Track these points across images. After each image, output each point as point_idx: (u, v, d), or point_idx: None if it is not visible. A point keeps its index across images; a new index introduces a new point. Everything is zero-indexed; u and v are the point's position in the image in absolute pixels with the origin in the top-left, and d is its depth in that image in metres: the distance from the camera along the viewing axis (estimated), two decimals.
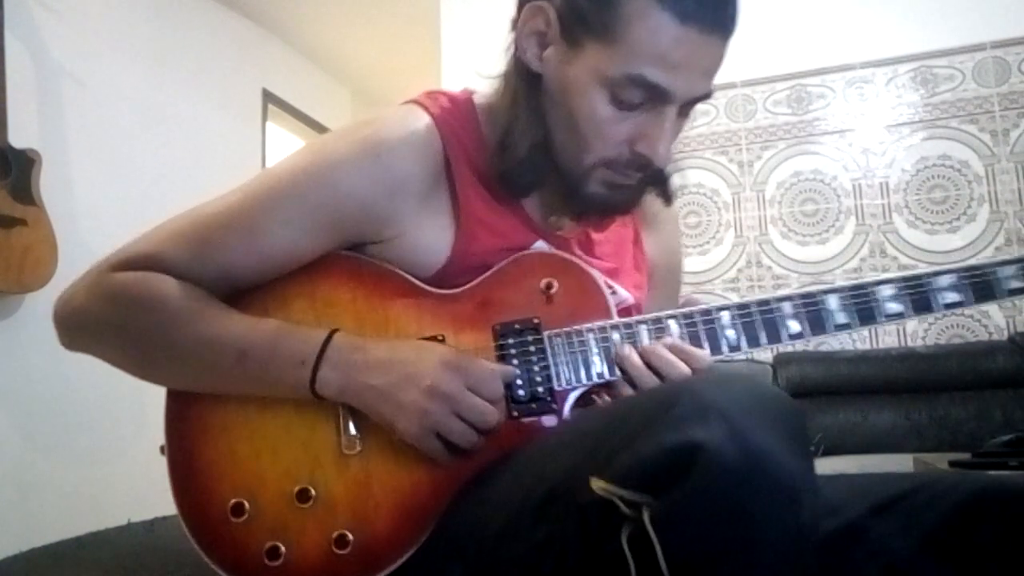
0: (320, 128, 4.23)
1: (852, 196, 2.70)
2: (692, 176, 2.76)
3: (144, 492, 1.52)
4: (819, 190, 2.73)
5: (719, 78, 0.80)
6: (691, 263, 2.77)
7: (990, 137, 2.58)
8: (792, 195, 2.76)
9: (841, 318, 0.80)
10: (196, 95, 3.45)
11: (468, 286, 0.83)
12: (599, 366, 0.80)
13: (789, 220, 2.76)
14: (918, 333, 2.58)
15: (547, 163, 0.83)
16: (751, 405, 0.55)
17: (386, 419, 0.74)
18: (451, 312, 0.82)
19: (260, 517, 0.76)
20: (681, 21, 0.73)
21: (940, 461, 1.49)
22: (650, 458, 0.54)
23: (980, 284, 0.80)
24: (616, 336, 0.81)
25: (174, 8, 3.38)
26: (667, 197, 0.90)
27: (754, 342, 0.81)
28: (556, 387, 0.79)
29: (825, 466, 0.61)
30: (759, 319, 0.81)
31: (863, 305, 0.80)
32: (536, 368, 0.79)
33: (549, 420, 0.80)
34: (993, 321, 2.52)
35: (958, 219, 2.58)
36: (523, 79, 0.83)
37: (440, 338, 0.80)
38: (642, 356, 0.78)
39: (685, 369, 0.77)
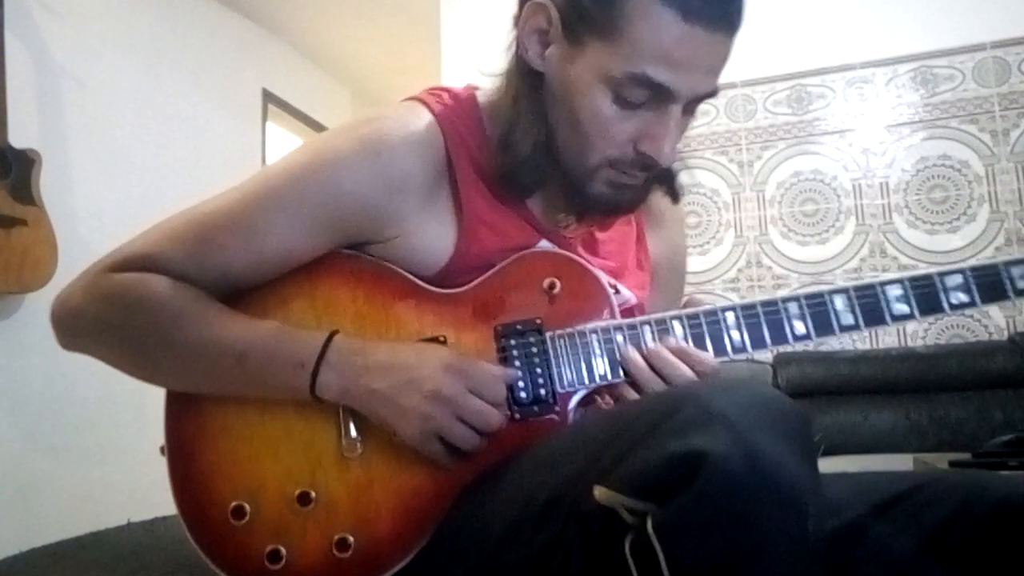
0: (320, 128, 4.23)
1: (852, 196, 2.70)
2: (687, 176, 2.74)
3: (144, 492, 1.52)
4: (819, 190, 2.73)
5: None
6: (691, 263, 2.77)
7: (990, 137, 2.58)
8: (792, 195, 2.76)
9: (848, 319, 0.79)
10: (196, 95, 3.45)
11: (470, 286, 0.82)
12: (602, 368, 0.79)
13: (789, 220, 2.76)
14: (918, 333, 2.58)
15: (550, 163, 0.82)
16: (755, 411, 0.54)
17: (387, 423, 0.74)
18: (453, 312, 0.81)
19: (261, 520, 0.75)
20: (684, 18, 0.72)
21: (940, 461, 1.49)
22: (653, 466, 0.53)
23: (989, 284, 0.79)
24: (619, 337, 0.80)
25: (174, 8, 3.38)
26: (674, 195, 0.90)
27: (759, 343, 0.80)
28: (558, 389, 0.79)
29: (825, 466, 0.61)
30: (764, 320, 0.80)
31: (870, 306, 0.79)
32: (538, 370, 0.79)
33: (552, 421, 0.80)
34: (993, 321, 2.52)
35: (958, 219, 2.58)
36: (525, 77, 0.82)
37: (441, 339, 0.79)
38: (646, 359, 0.78)
39: (690, 373, 0.76)
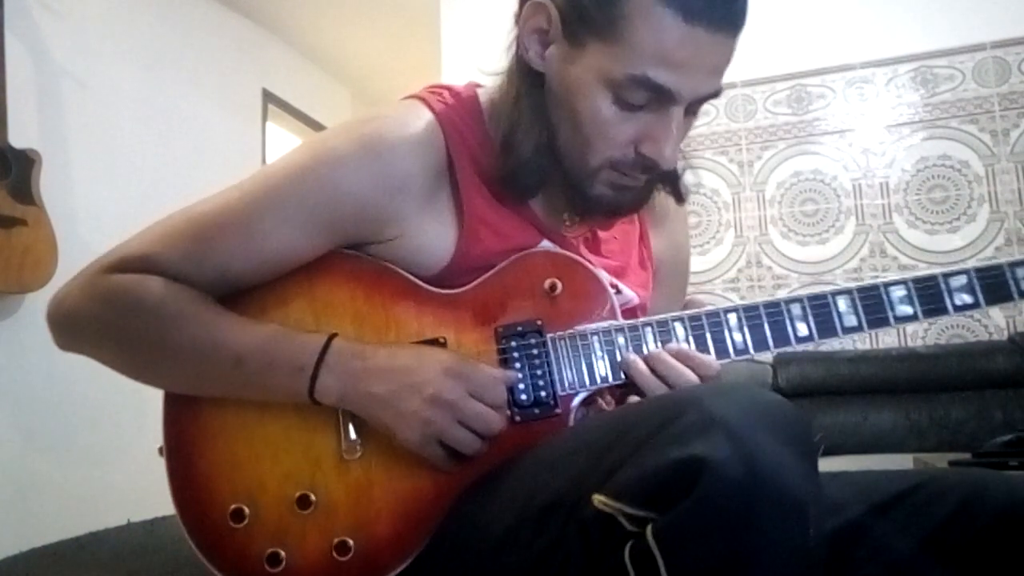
0: (320, 128, 4.22)
1: (852, 196, 2.70)
2: (692, 176, 2.75)
3: (144, 492, 1.51)
4: (819, 190, 2.73)
5: None
6: (691, 263, 2.77)
7: (990, 137, 2.57)
8: (792, 195, 2.76)
9: (851, 321, 0.79)
10: (196, 95, 3.45)
11: (470, 286, 0.81)
12: (603, 369, 0.79)
13: (789, 220, 2.75)
14: (918, 333, 2.58)
15: (551, 164, 0.81)
16: (756, 417, 0.54)
17: (387, 427, 0.73)
18: (453, 313, 0.80)
19: (260, 523, 0.75)
20: (685, 19, 0.70)
21: (940, 461, 1.49)
22: (653, 473, 0.53)
23: (994, 285, 0.78)
24: (621, 339, 0.79)
25: (174, 8, 3.37)
26: (678, 196, 0.89)
27: (761, 345, 0.79)
28: (559, 391, 0.78)
29: (825, 466, 0.61)
30: (767, 322, 0.79)
31: (874, 308, 0.78)
32: (539, 371, 0.78)
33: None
34: (993, 321, 2.52)
35: (958, 219, 2.58)
36: (525, 77, 0.81)
37: (441, 340, 0.79)
38: (648, 362, 0.77)
39: (692, 376, 0.76)
